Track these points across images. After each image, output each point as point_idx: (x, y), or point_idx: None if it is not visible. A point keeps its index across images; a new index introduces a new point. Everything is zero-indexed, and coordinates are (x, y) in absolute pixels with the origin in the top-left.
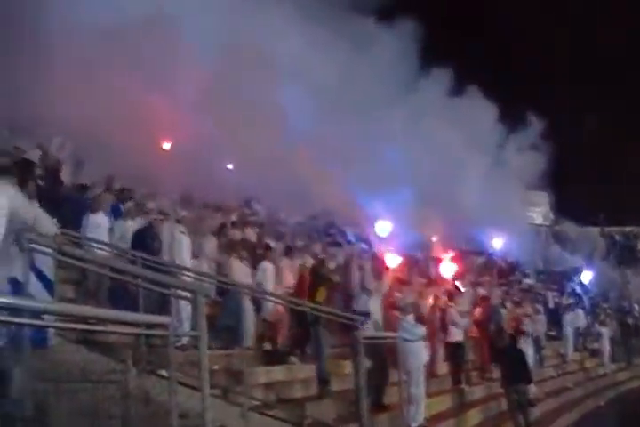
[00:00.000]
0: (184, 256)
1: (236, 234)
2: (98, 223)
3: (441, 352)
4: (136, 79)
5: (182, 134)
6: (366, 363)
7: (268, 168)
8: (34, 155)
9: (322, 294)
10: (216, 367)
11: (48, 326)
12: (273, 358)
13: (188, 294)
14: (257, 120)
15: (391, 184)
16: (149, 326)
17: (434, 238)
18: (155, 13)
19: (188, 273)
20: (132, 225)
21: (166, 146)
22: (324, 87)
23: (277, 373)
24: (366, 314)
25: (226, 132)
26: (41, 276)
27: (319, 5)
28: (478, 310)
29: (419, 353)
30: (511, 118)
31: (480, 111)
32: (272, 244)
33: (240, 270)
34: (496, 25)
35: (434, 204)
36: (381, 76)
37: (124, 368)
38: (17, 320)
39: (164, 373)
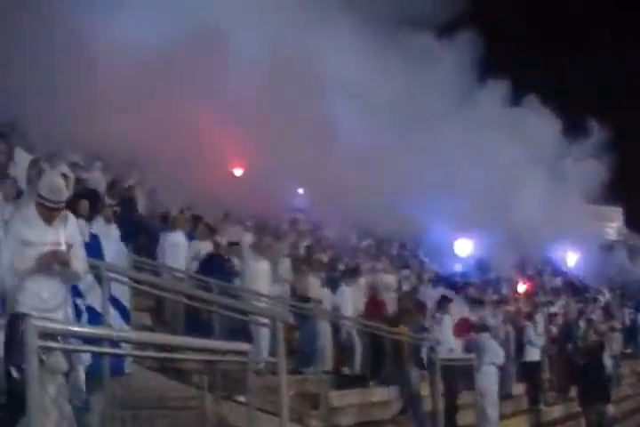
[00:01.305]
0: (260, 281)
1: (311, 257)
2: (176, 242)
3: (515, 372)
4: (203, 105)
5: (252, 160)
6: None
7: (334, 189)
8: (102, 184)
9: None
10: (290, 393)
11: (141, 356)
12: (348, 381)
13: (265, 320)
14: (319, 141)
15: (450, 200)
16: (226, 352)
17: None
18: (213, 37)
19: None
20: (204, 246)
21: (237, 172)
22: (381, 103)
23: (353, 396)
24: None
25: (293, 155)
26: (117, 304)
27: (376, 20)
28: (554, 328)
29: (493, 374)
30: (573, 128)
31: (540, 121)
32: (344, 266)
33: (316, 288)
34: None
35: (492, 218)
36: (439, 89)
37: (201, 394)
38: (106, 350)
39: (241, 398)
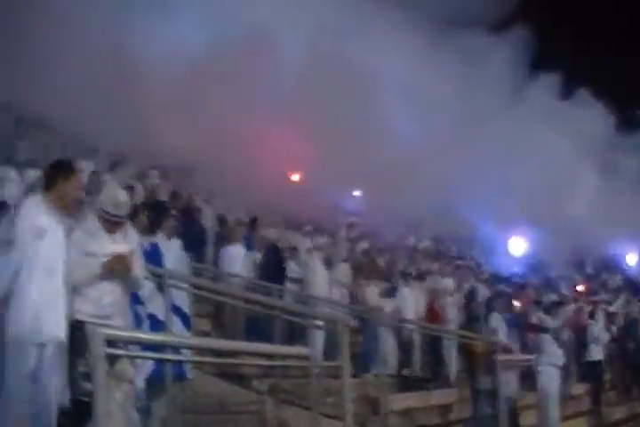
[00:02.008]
0: (319, 285)
1: (368, 260)
2: (235, 255)
3: (575, 372)
4: (259, 111)
5: (309, 164)
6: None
7: (392, 192)
8: (163, 194)
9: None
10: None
11: (205, 362)
12: (409, 384)
13: (322, 323)
14: (374, 143)
15: (503, 198)
16: (286, 356)
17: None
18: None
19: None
20: (259, 256)
21: (294, 177)
22: (434, 102)
23: (413, 399)
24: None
25: (348, 157)
26: (178, 311)
27: (428, 19)
28: (614, 328)
29: (554, 375)
30: (626, 122)
31: (592, 115)
32: (403, 269)
33: (376, 296)
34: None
35: (546, 215)
36: (490, 86)
37: (262, 399)
38: (170, 357)
39: (302, 402)
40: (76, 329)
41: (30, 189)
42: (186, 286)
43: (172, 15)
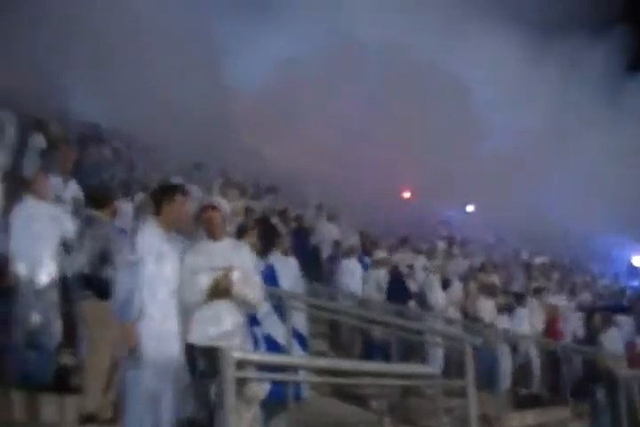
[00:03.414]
0: (436, 300)
1: (485, 277)
2: (351, 270)
3: None
4: (371, 131)
5: (417, 181)
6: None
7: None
8: (273, 213)
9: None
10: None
11: (329, 383)
12: (526, 401)
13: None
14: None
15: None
16: (407, 376)
17: None
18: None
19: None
20: (383, 274)
21: (405, 195)
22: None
23: (532, 416)
24: None
25: (457, 173)
26: (294, 331)
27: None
28: None
29: None
30: None
31: None
32: (519, 285)
33: (491, 313)
34: None
35: None
36: (590, 88)
37: (379, 419)
38: (297, 378)
39: (419, 422)
40: (202, 352)
41: (140, 213)
42: (303, 306)
43: (273, 33)
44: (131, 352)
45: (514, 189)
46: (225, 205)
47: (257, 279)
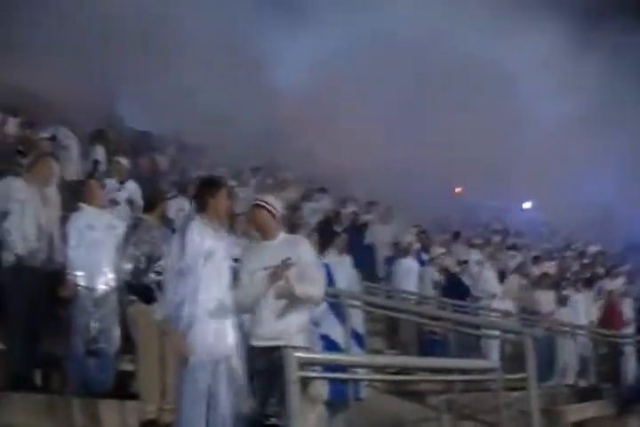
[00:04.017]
0: (492, 291)
1: (540, 269)
2: (408, 267)
3: None
4: (419, 127)
5: (470, 178)
6: None
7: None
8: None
9: None
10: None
11: (389, 380)
12: (583, 394)
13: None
14: (535, 152)
15: None
16: (467, 371)
17: None
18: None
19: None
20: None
21: (457, 190)
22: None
23: (592, 410)
24: None
25: (514, 168)
26: (352, 330)
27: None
28: None
29: None
30: None
31: None
32: (574, 275)
33: (548, 305)
34: None
35: None
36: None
37: (438, 415)
38: (359, 377)
39: (478, 417)
40: (261, 351)
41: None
42: (360, 304)
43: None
44: (182, 361)
45: (563, 180)
46: (275, 202)
47: (317, 274)
